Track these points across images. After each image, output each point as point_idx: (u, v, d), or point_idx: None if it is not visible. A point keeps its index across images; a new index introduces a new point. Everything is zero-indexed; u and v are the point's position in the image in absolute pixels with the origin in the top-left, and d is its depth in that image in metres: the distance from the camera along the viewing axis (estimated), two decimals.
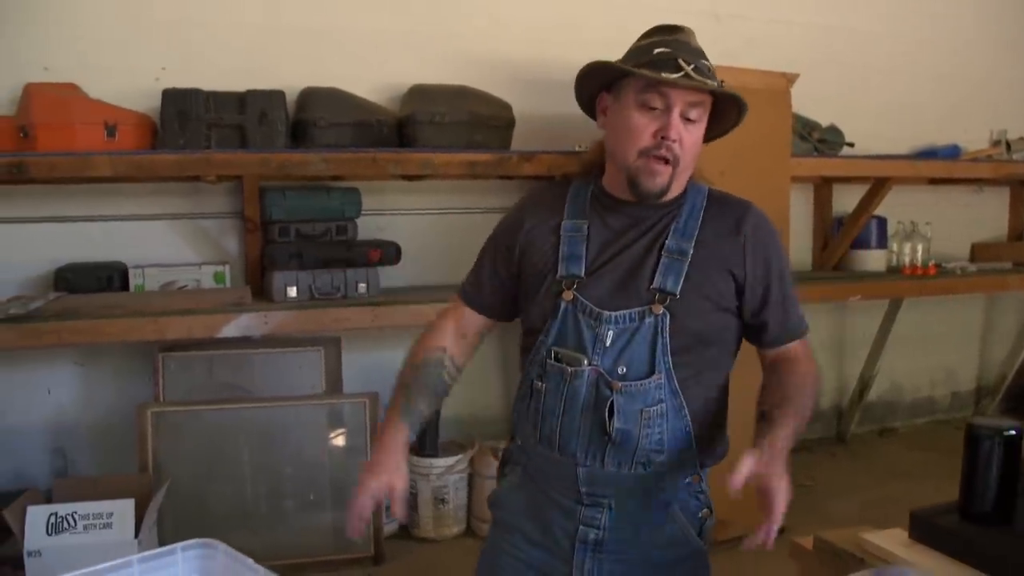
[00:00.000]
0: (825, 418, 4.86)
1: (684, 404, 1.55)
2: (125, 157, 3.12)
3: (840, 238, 4.50)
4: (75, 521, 2.78)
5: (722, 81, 1.54)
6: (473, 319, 1.77)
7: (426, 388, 1.70)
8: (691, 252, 1.56)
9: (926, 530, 1.42)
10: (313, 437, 3.30)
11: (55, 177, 3.15)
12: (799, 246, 4.60)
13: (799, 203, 4.61)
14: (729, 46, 4.11)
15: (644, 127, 1.52)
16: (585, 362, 1.54)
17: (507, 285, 1.72)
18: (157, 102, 3.27)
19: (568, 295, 1.58)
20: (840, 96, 4.47)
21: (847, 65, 4.59)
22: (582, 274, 1.59)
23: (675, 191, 1.60)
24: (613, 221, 1.62)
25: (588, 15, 3.99)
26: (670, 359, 1.53)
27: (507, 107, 3.67)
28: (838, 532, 1.57)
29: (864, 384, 4.71)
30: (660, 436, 1.55)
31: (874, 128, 4.53)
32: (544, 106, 3.77)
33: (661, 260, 1.56)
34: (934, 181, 4.78)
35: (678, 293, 1.54)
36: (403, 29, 3.72)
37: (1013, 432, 1.35)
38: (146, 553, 1.27)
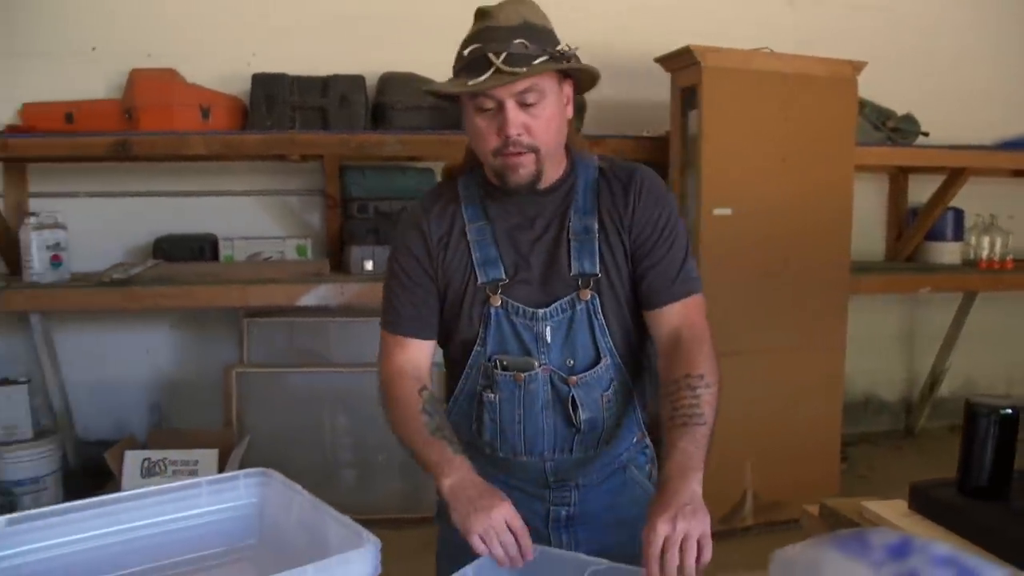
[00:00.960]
0: (893, 411, 4.82)
1: (628, 378, 1.57)
2: (217, 137, 3.38)
3: (913, 229, 4.46)
4: (165, 466, 3.07)
5: (559, 50, 1.43)
6: (421, 348, 1.60)
7: (444, 425, 1.52)
8: (595, 228, 1.54)
9: (924, 502, 1.46)
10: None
11: (155, 155, 3.43)
12: (871, 236, 4.56)
13: (872, 193, 4.59)
14: (804, 34, 4.17)
15: (486, 129, 1.45)
16: (536, 364, 1.52)
17: (435, 300, 1.58)
18: (248, 86, 3.52)
19: (496, 300, 1.53)
20: (919, 84, 4.40)
21: (928, 53, 4.52)
22: (503, 276, 1.54)
23: (554, 173, 1.55)
24: (513, 215, 1.56)
25: (664, 1, 4.06)
26: (610, 340, 1.54)
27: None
28: (843, 501, 1.60)
29: (935, 378, 4.66)
30: (617, 413, 1.57)
31: (956, 118, 4.44)
32: (615, 92, 3.86)
33: (572, 244, 1.53)
34: (1018, 173, 4.66)
35: (598, 272, 1.52)
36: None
37: (1009, 411, 1.37)
38: (213, 477, 1.46)
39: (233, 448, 3.13)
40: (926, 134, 4.19)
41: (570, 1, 3.98)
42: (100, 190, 3.69)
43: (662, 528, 1.24)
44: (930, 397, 4.70)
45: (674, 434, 1.39)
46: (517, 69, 1.38)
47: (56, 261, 3.33)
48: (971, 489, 1.40)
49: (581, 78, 1.50)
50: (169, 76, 3.50)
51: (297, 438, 3.45)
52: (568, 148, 1.58)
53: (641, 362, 1.59)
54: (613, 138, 3.65)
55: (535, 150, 1.45)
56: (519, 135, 1.42)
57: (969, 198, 4.42)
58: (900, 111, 4.24)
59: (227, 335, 3.74)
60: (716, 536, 1.29)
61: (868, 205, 4.53)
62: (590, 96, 3.74)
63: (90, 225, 3.61)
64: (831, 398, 3.40)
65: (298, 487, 1.40)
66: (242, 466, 3.16)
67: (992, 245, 4.47)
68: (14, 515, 1.24)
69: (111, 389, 3.76)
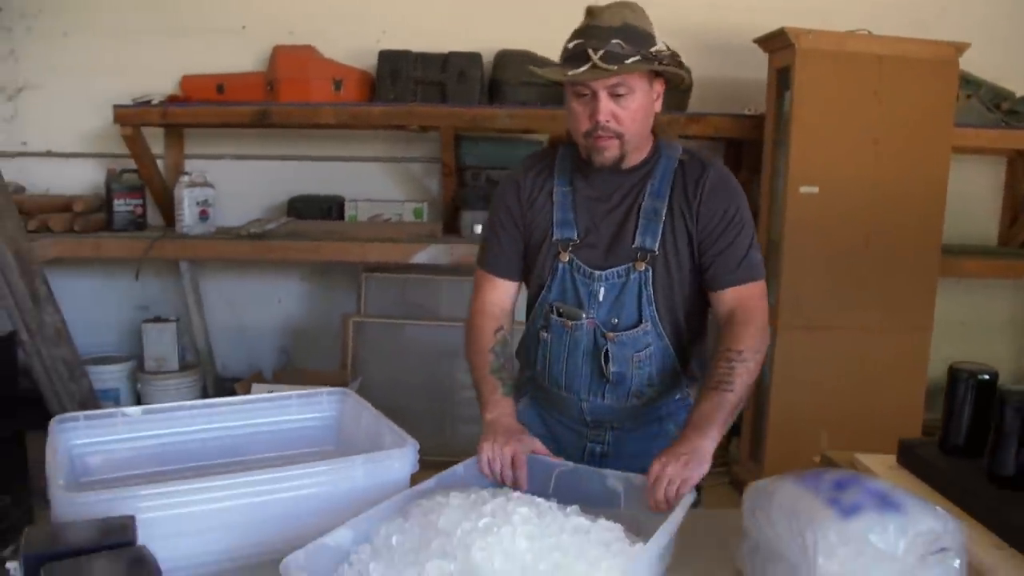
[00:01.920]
0: None
1: (669, 345, 1.76)
2: (345, 108, 3.73)
3: None
4: None
5: (653, 52, 1.62)
6: (507, 288, 1.86)
7: (506, 366, 1.79)
8: (664, 212, 1.72)
9: (909, 457, 1.61)
10: None
11: (291, 123, 3.82)
12: (984, 220, 4.51)
13: (987, 176, 4.51)
14: (919, 14, 4.15)
15: (580, 113, 1.65)
16: (583, 316, 1.75)
17: (521, 245, 1.84)
18: (376, 61, 3.85)
19: (564, 257, 1.76)
20: None
21: None
22: (575, 238, 1.76)
23: (637, 156, 1.74)
24: (596, 186, 1.76)
25: None
26: (654, 308, 1.73)
27: (687, 71, 3.94)
28: (841, 452, 1.75)
29: None
30: (650, 373, 1.77)
31: None
32: (718, 70, 4.00)
33: (640, 221, 1.72)
34: None
35: (656, 250, 1.72)
36: None
37: (987, 377, 1.49)
38: (301, 392, 1.79)
39: (346, 387, 3.49)
40: None
41: None
42: (243, 153, 4.13)
43: (655, 468, 1.48)
44: None
45: (703, 396, 1.63)
46: (610, 66, 1.57)
47: (203, 215, 3.77)
48: (951, 447, 1.54)
49: (671, 78, 1.70)
50: (307, 52, 3.86)
51: (404, 384, 3.78)
52: (655, 135, 1.78)
53: (687, 334, 1.79)
54: (713, 115, 3.80)
55: (620, 136, 1.65)
56: (607, 122, 1.62)
57: None
58: (1020, 93, 4.17)
59: (348, 288, 4.13)
60: None
61: (982, 188, 4.47)
62: (696, 75, 3.94)
63: (234, 185, 4.05)
64: (914, 379, 3.44)
65: (367, 404, 1.70)
66: None
67: None
68: (149, 406, 1.60)
69: (246, 332, 4.22)
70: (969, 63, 3.78)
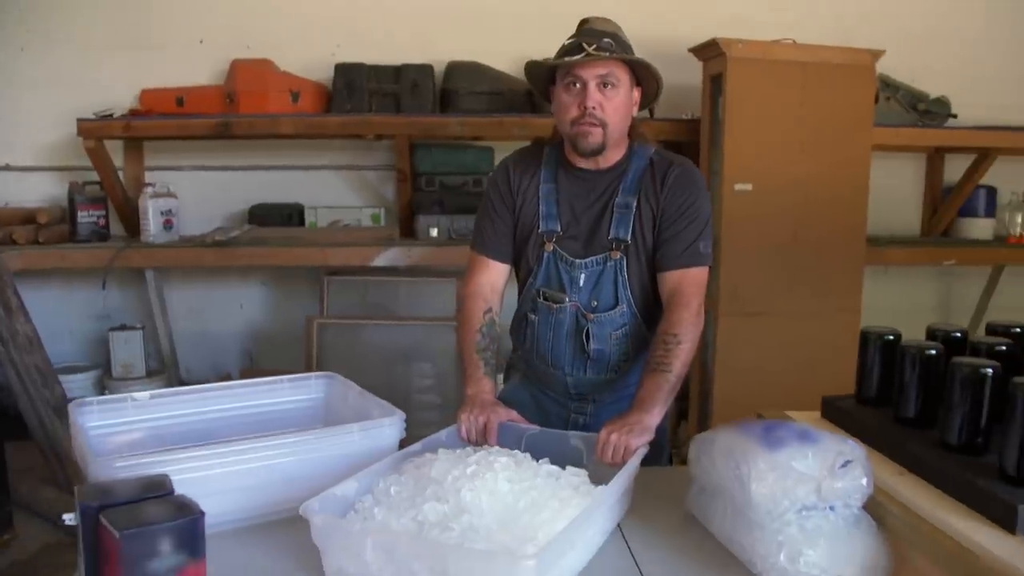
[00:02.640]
0: None
1: (642, 323, 1.98)
2: (304, 119, 3.89)
3: (947, 206, 4.69)
4: None
5: (628, 54, 1.86)
6: (499, 270, 2.05)
7: (491, 347, 1.97)
8: (634, 205, 1.93)
9: (831, 410, 1.84)
10: (444, 353, 3.98)
11: (251, 134, 3.96)
12: (908, 213, 4.82)
13: (910, 172, 4.83)
14: (843, 22, 4.45)
15: (570, 103, 1.87)
16: (566, 300, 1.96)
17: (513, 232, 2.04)
18: (332, 73, 4.03)
19: (549, 247, 1.97)
20: (957, 68, 4.57)
21: (965, 37, 4.66)
22: (559, 230, 1.97)
23: (615, 152, 1.95)
24: (577, 184, 1.98)
25: None
26: (629, 292, 1.95)
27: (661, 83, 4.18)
28: (773, 411, 1.94)
29: None
30: (627, 349, 1.99)
31: (994, 99, 4.60)
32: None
33: (614, 215, 1.94)
34: None
35: (629, 240, 1.93)
36: (538, 8, 4.25)
37: (891, 337, 1.71)
38: (290, 376, 1.97)
39: None
40: (955, 116, 4.43)
41: None
42: (204, 164, 4.26)
43: (603, 434, 1.69)
44: None
45: (645, 377, 1.84)
46: (603, 54, 1.81)
47: (168, 225, 3.90)
48: (864, 399, 1.78)
49: (646, 88, 1.94)
50: (265, 65, 4.01)
51: (367, 383, 3.90)
52: (631, 138, 1.99)
53: (658, 312, 1.98)
54: (657, 120, 4.03)
55: (604, 125, 1.86)
56: (594, 108, 1.84)
57: (1007, 177, 4.62)
58: (936, 94, 4.48)
59: (309, 291, 4.28)
60: None
61: (905, 183, 4.79)
62: None
63: (195, 194, 4.18)
64: (846, 358, 3.66)
65: (353, 384, 1.89)
66: None
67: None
68: (156, 390, 1.76)
69: (210, 337, 4.35)
70: (887, 67, 4.10)
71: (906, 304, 4.74)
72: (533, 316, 2.03)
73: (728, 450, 1.43)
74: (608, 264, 1.95)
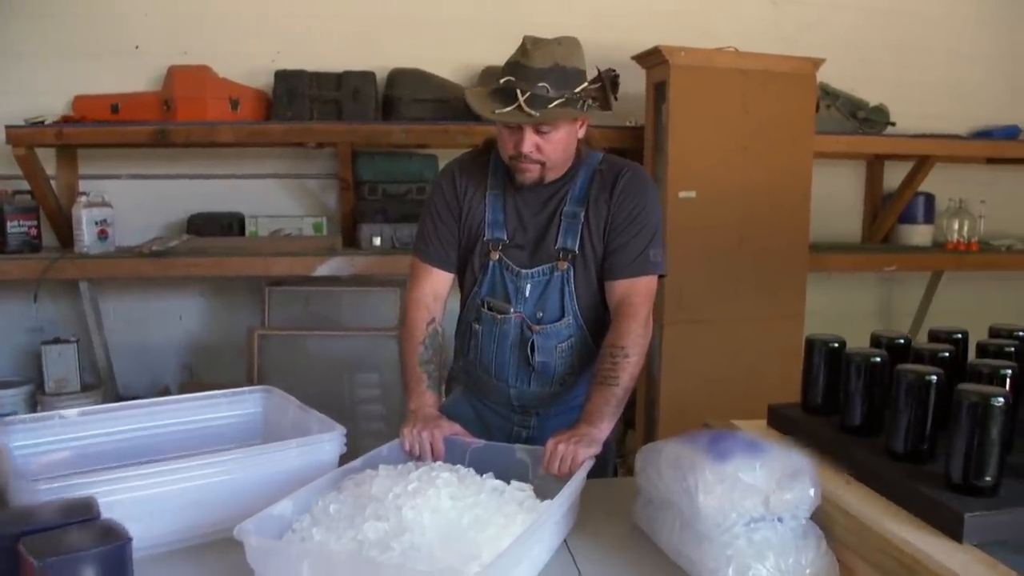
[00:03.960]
0: None
1: (588, 336, 1.94)
2: (244, 127, 3.81)
3: (886, 213, 4.77)
4: None
5: (578, 92, 1.76)
6: (442, 278, 2.00)
7: (434, 359, 1.93)
8: (582, 215, 1.88)
9: (777, 418, 1.84)
10: (388, 363, 3.92)
11: (190, 142, 3.85)
12: (849, 219, 4.89)
13: (850, 179, 4.90)
14: (784, 31, 4.50)
15: (506, 139, 1.82)
16: (511, 310, 1.92)
17: (457, 239, 1.98)
18: (272, 80, 3.95)
19: (495, 256, 1.93)
20: (896, 77, 4.67)
21: (904, 47, 4.76)
22: (504, 238, 1.93)
23: (557, 173, 1.89)
24: (524, 193, 1.92)
25: (640, 2, 4.36)
26: (575, 303, 1.90)
27: (616, 85, 4.16)
28: (720, 420, 1.94)
29: None
30: (572, 362, 1.94)
31: (931, 108, 4.71)
32: None
33: (561, 224, 1.89)
34: (992, 161, 4.92)
35: (576, 250, 1.89)
36: (482, 15, 4.24)
37: (836, 344, 1.71)
38: (227, 391, 1.90)
39: None
40: (893, 124, 4.51)
41: (566, 1, 4.39)
42: (141, 173, 4.14)
43: (550, 444, 1.66)
44: None
45: (592, 390, 1.80)
46: (532, 112, 1.71)
47: (103, 235, 3.78)
48: (810, 407, 1.77)
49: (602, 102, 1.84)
50: (203, 71, 3.91)
51: (311, 395, 3.82)
52: (578, 150, 1.94)
53: (605, 323, 1.95)
54: (596, 127, 4.01)
55: (542, 163, 1.82)
56: (530, 152, 1.79)
57: (944, 183, 4.70)
58: (875, 103, 4.56)
59: (251, 302, 4.19)
60: None
61: (845, 190, 4.86)
62: None
63: (132, 204, 4.05)
64: (790, 362, 3.69)
65: (292, 398, 1.84)
66: None
67: (961, 228, 4.75)
68: (85, 408, 1.69)
69: (148, 350, 4.23)
70: (828, 76, 4.15)
71: (847, 309, 4.81)
72: (477, 326, 1.98)
73: (675, 461, 1.41)
74: (554, 274, 1.91)
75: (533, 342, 1.92)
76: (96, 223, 3.76)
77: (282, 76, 3.92)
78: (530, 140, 1.78)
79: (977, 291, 5.03)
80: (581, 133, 1.90)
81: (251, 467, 1.49)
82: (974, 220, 4.75)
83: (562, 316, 1.92)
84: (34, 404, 3.90)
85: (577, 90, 1.78)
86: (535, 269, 1.91)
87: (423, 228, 2.02)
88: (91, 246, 3.74)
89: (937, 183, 4.71)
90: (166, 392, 3.73)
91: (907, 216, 4.79)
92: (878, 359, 1.56)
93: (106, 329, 4.07)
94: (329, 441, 1.60)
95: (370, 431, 3.87)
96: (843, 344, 1.72)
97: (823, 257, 4.14)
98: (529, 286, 1.92)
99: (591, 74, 1.85)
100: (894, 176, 4.92)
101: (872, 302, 5.11)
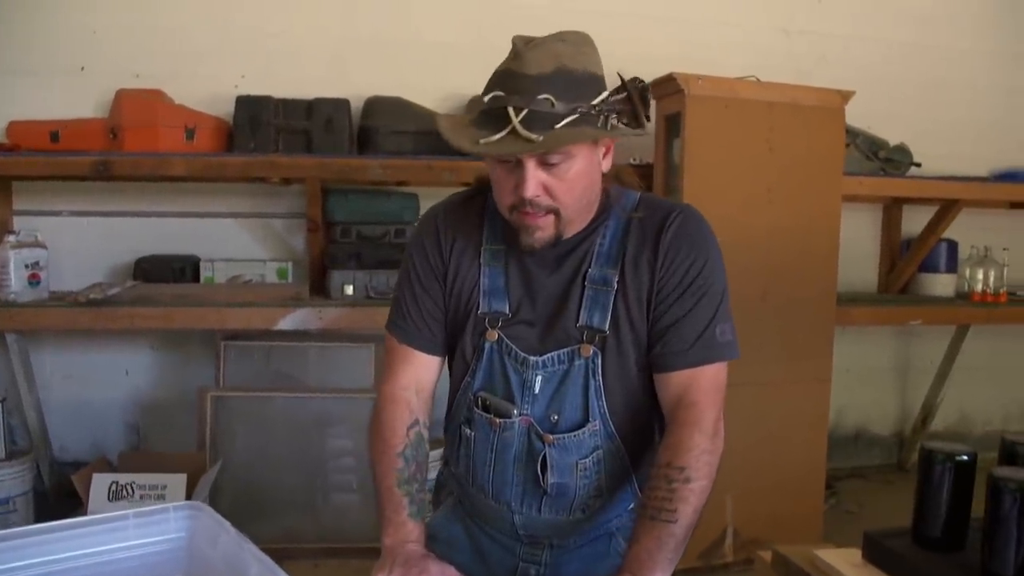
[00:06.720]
0: (885, 445, 4.74)
1: (622, 446, 1.43)
2: (199, 159, 3.37)
3: (906, 261, 4.41)
4: (133, 490, 3.03)
5: (596, 105, 1.29)
6: (427, 365, 1.52)
7: (417, 476, 1.45)
8: (615, 280, 1.40)
9: (878, 552, 1.41)
10: (360, 428, 3.45)
11: (136, 176, 3.42)
12: (864, 267, 4.54)
13: (866, 224, 4.56)
14: (800, 63, 4.18)
15: (504, 181, 1.33)
16: (515, 412, 1.42)
17: (444, 311, 1.50)
18: (233, 108, 3.52)
19: (492, 335, 1.43)
20: (916, 115, 4.40)
21: (924, 83, 4.49)
22: (506, 311, 1.44)
23: (578, 224, 1.41)
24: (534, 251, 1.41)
25: (648, 31, 4.05)
26: (605, 403, 1.40)
27: (647, 103, 3.77)
28: (795, 548, 1.53)
29: (927, 412, 4.58)
30: (598, 482, 1.44)
31: (952, 148, 4.44)
32: None
33: (585, 292, 1.40)
34: (1015, 205, 4.61)
35: (607, 329, 1.39)
36: (468, 39, 3.86)
37: (965, 457, 1.31)
38: (141, 509, 1.42)
39: (204, 473, 3.08)
40: (918, 164, 4.16)
41: (560, 27, 4.01)
42: (83, 209, 3.69)
43: None
44: (922, 431, 4.62)
45: (639, 526, 1.30)
46: (534, 136, 1.23)
47: (34, 280, 3.31)
48: (926, 539, 1.34)
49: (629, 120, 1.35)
50: (155, 96, 3.49)
51: (272, 463, 3.40)
52: (605, 190, 1.44)
53: (648, 430, 1.46)
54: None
55: (555, 211, 1.33)
56: (537, 196, 1.30)
57: (965, 230, 4.38)
58: (894, 141, 4.21)
59: (205, 357, 3.72)
60: (695, 573, 1.26)
61: (861, 236, 4.51)
62: None
63: (73, 244, 3.62)
64: (816, 432, 3.33)
65: (226, 523, 1.36)
66: (213, 492, 3.14)
67: (986, 278, 4.40)
68: None
69: (89, 409, 3.74)
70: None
71: (862, 365, 4.48)
72: (468, 431, 1.48)
73: None
74: (575, 363, 1.40)
75: (545, 457, 1.41)
76: (26, 267, 3.29)
77: (244, 103, 3.49)
78: (534, 179, 1.28)
79: (1002, 346, 4.72)
80: (606, 165, 1.39)
81: None
82: (1000, 269, 4.41)
83: (585, 421, 1.41)
84: None
85: (594, 102, 1.29)
86: (548, 356, 1.41)
87: (399, 298, 1.53)
88: (20, 293, 3.27)
89: (958, 229, 4.36)
90: (103, 464, 3.22)
91: (928, 264, 4.43)
92: None
93: (40, 385, 3.61)
94: None
95: (341, 505, 3.40)
96: (974, 458, 1.28)
97: (847, 310, 3.72)
98: (540, 379, 1.41)
99: (610, 82, 1.35)
100: (911, 221, 4.58)
101: (888, 357, 4.75)
